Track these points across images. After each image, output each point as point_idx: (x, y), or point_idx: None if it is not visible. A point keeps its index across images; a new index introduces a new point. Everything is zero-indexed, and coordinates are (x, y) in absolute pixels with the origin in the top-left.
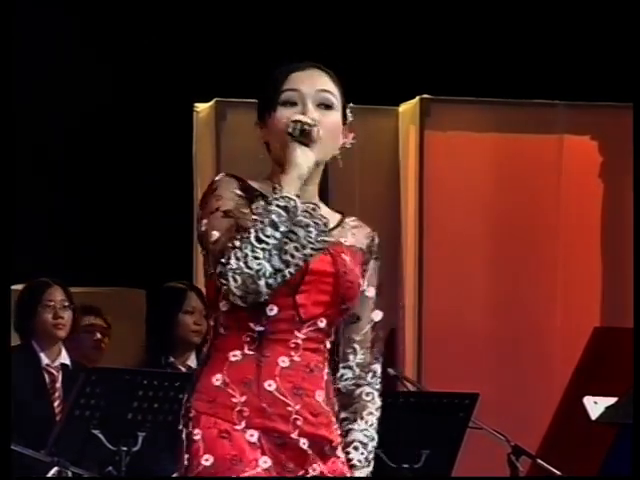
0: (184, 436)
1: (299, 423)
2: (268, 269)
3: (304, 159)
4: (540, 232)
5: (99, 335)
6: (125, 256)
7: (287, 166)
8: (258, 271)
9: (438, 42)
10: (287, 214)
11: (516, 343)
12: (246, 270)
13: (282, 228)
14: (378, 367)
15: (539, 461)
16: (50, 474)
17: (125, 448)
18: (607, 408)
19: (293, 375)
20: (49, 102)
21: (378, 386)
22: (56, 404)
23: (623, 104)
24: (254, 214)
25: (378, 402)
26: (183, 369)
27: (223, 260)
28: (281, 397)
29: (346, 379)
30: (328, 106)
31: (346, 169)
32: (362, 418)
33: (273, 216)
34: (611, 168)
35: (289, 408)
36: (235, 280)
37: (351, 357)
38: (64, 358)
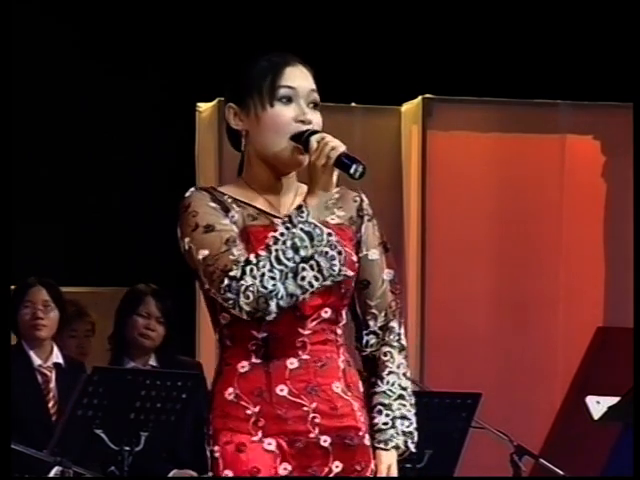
0: (208, 453)
1: (317, 421)
2: (281, 291)
3: (333, 186)
4: (543, 232)
5: (84, 339)
6: (126, 256)
7: (318, 190)
8: (272, 292)
9: (440, 42)
10: (310, 241)
11: (518, 343)
12: (261, 289)
13: (302, 253)
14: (395, 324)
15: (542, 461)
16: (52, 474)
17: (128, 448)
18: (610, 408)
19: (304, 374)
20: (50, 100)
21: (397, 343)
22: (50, 404)
23: (626, 104)
24: (275, 233)
25: (398, 359)
26: None
27: (233, 274)
28: (295, 399)
29: (371, 345)
30: (316, 105)
31: None
32: (382, 379)
33: (296, 240)
34: (613, 168)
35: (305, 408)
36: (247, 297)
37: (372, 323)
38: (57, 357)
